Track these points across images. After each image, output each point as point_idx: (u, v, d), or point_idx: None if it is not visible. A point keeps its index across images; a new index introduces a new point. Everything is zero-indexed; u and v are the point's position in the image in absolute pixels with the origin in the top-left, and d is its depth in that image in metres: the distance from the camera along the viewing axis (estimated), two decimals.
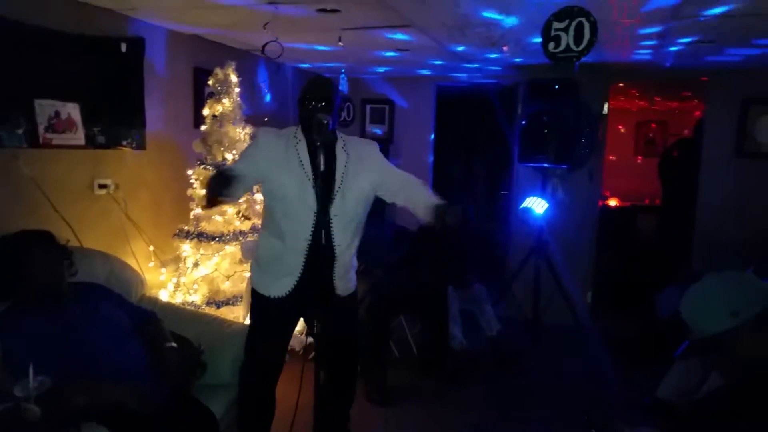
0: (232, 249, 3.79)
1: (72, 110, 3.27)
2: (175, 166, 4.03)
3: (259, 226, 2.86)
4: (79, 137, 3.33)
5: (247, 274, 3.63)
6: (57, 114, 3.19)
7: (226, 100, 3.81)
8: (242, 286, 3.80)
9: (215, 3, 3.22)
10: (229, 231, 3.76)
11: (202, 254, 3.75)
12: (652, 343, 4.17)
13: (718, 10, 3.06)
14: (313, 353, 2.78)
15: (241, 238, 3.81)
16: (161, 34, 3.91)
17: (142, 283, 3.24)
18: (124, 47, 3.56)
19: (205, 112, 3.85)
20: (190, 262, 3.76)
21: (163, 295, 3.69)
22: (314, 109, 2.45)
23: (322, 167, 2.32)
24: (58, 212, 3.18)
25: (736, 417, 1.65)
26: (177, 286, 3.75)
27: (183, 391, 2.46)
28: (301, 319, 2.86)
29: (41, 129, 3.10)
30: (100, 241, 3.41)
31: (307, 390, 2.70)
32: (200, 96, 4.18)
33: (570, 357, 4.69)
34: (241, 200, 3.78)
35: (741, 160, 4.99)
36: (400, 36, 3.94)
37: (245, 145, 3.88)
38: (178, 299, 3.69)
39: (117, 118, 3.57)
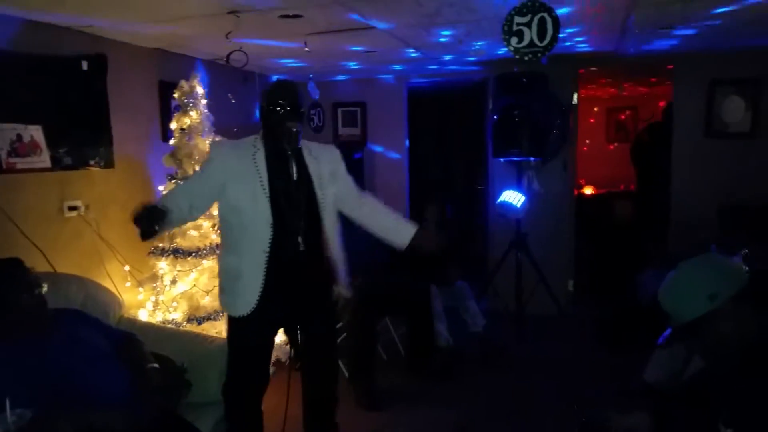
0: (210, 263, 3.73)
1: (35, 132, 3.20)
2: (146, 183, 3.97)
3: None
4: (44, 160, 3.26)
5: None
6: (19, 137, 3.12)
7: (193, 113, 3.76)
8: None
9: (176, 15, 3.17)
10: (205, 245, 3.71)
11: (179, 270, 3.69)
12: (634, 327, 4.23)
13: None
14: (299, 364, 2.75)
15: (218, 252, 3.75)
16: (123, 49, 3.84)
17: (119, 305, 3.18)
18: (85, 65, 3.49)
19: (173, 125, 3.79)
20: (167, 280, 3.69)
21: (143, 315, 3.63)
22: (282, 116, 2.40)
23: (294, 176, 2.29)
24: (28, 238, 3.10)
25: (721, 396, 1.67)
26: (156, 304, 3.68)
27: (169, 411, 2.41)
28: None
29: (3, 154, 3.03)
30: (74, 264, 3.34)
31: (295, 400, 2.68)
32: (167, 110, 4.12)
33: (556, 347, 4.72)
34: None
35: (710, 140, 5.06)
36: (365, 38, 3.92)
37: None
38: (158, 318, 3.62)
39: (82, 137, 3.50)
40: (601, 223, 7.29)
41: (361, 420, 3.54)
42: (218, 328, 3.70)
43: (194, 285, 3.72)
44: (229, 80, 5.01)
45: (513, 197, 5.00)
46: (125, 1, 2.90)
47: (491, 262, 5.58)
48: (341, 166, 2.67)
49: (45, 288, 2.34)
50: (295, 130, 2.34)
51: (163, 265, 3.69)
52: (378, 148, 6.18)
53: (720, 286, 1.66)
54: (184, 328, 3.50)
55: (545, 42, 2.82)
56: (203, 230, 3.77)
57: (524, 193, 5.03)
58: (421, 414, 3.63)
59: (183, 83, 3.78)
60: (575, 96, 5.48)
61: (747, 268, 1.75)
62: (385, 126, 6.14)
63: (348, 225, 2.77)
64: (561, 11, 3.07)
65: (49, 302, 2.37)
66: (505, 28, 2.83)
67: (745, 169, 4.93)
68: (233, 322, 2.58)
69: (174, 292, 3.68)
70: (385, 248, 4.65)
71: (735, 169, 4.96)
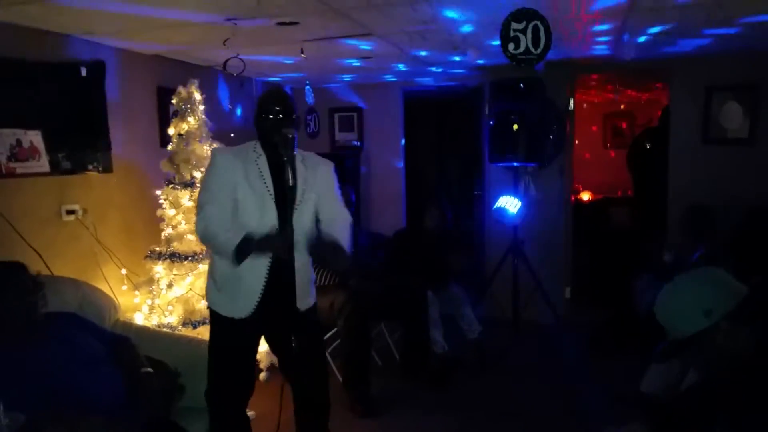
0: (206, 267, 3.75)
1: (34, 137, 3.23)
2: (143, 188, 3.99)
3: None
4: (43, 164, 3.29)
5: None
6: (19, 142, 3.15)
7: (191, 118, 3.78)
8: None
9: (174, 21, 3.20)
10: (201, 250, 3.73)
11: (175, 274, 3.71)
12: (629, 335, 4.23)
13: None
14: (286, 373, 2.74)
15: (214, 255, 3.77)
16: (121, 55, 3.87)
17: (115, 308, 3.19)
18: (84, 71, 3.53)
19: (171, 131, 3.81)
20: (163, 284, 3.71)
21: (138, 318, 3.64)
22: (278, 123, 2.42)
23: (291, 182, 2.30)
24: (26, 241, 3.13)
25: (717, 410, 1.66)
26: (152, 308, 3.70)
27: (162, 415, 2.42)
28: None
29: (3, 158, 3.06)
30: (71, 267, 3.36)
31: (287, 407, 2.69)
32: (165, 115, 4.15)
33: (552, 354, 4.72)
34: None
35: (707, 147, 5.06)
36: (361, 44, 3.95)
37: None
38: (153, 321, 3.64)
39: (81, 142, 3.54)
40: (599, 230, 7.28)
41: (355, 426, 3.54)
42: None
43: (190, 289, 3.73)
44: (226, 86, 5.05)
45: (510, 203, 5.01)
46: (124, 14, 2.93)
47: (488, 268, 5.59)
48: (327, 182, 2.62)
49: (45, 293, 2.36)
50: (291, 136, 2.36)
51: (159, 268, 3.71)
52: (374, 154, 6.21)
53: (716, 302, 1.64)
54: (179, 332, 3.51)
55: (539, 50, 2.85)
56: None
57: (521, 199, 5.04)
58: (416, 420, 3.63)
59: (181, 89, 3.80)
60: (571, 101, 5.50)
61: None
62: (382, 131, 6.17)
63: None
64: None
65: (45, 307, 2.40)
66: (503, 33, 2.86)
67: (744, 175, 4.91)
68: (224, 323, 2.53)
69: (170, 295, 3.70)
70: (382, 252, 4.72)
71: (733, 176, 4.96)
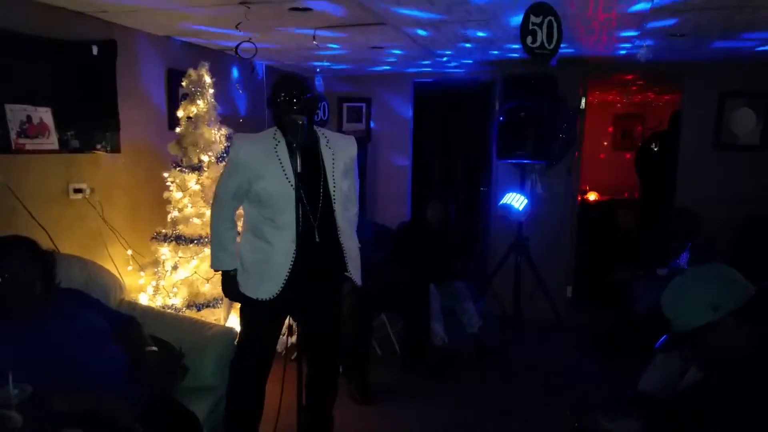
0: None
1: (44, 115, 3.23)
2: (150, 169, 3.99)
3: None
4: (52, 142, 3.29)
5: None
6: (29, 119, 3.14)
7: (200, 102, 3.78)
8: None
9: (187, 1, 3.19)
10: (207, 233, 3.73)
11: (180, 257, 3.72)
12: (630, 335, 4.23)
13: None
14: (296, 354, 2.77)
15: None
16: (133, 35, 3.87)
17: (120, 288, 3.20)
18: (95, 50, 3.51)
19: (180, 113, 3.81)
20: (168, 265, 3.72)
21: (143, 299, 3.66)
22: (288, 110, 2.44)
23: (299, 168, 2.30)
24: (33, 218, 3.13)
25: (714, 409, 1.67)
26: (156, 289, 3.71)
27: (165, 394, 2.44)
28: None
29: (13, 134, 3.05)
30: (77, 246, 3.37)
31: (289, 391, 2.70)
32: (174, 97, 4.14)
33: (551, 352, 4.73)
34: None
35: (718, 153, 5.05)
36: (375, 34, 3.94)
37: (221, 147, 3.86)
38: (157, 302, 3.66)
39: (90, 121, 3.53)
40: (603, 231, 7.28)
41: (353, 413, 3.57)
42: (217, 315, 3.73)
43: (195, 272, 3.74)
44: (236, 70, 5.04)
45: (515, 200, 5.01)
46: None
47: (491, 264, 5.59)
48: (349, 158, 2.69)
49: (56, 269, 2.37)
50: (300, 122, 2.35)
51: (165, 250, 3.72)
52: (382, 145, 6.20)
53: (724, 297, 1.65)
54: (183, 314, 3.53)
55: (552, 45, 2.84)
56: (206, 218, 3.79)
57: (527, 196, 5.04)
58: (413, 411, 3.65)
59: (191, 72, 3.80)
60: (583, 101, 5.49)
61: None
62: (390, 123, 6.16)
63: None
64: None
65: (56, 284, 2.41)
66: (523, 26, 2.85)
67: (755, 182, 4.91)
68: (251, 304, 2.64)
69: (175, 277, 3.71)
70: (385, 244, 4.72)
71: (744, 182, 4.95)
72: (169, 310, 3.55)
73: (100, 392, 2.14)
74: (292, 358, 3.11)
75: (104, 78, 3.62)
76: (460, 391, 3.95)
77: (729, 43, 4.10)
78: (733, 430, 1.59)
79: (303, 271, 2.48)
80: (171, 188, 3.78)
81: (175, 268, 3.72)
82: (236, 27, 3.48)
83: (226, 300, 3.65)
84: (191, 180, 3.75)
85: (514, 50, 4.42)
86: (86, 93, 3.49)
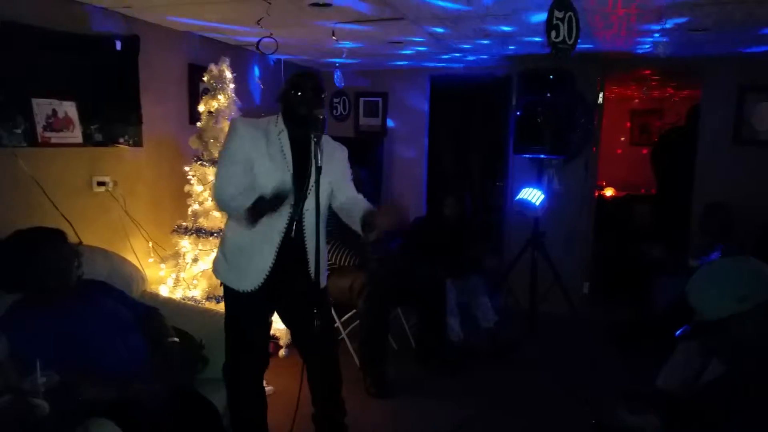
0: None
1: (69, 109, 3.29)
2: (172, 163, 4.05)
3: None
4: (76, 135, 3.35)
5: None
6: (54, 113, 3.21)
7: (221, 96, 3.82)
8: None
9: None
10: None
11: (200, 249, 3.77)
12: (648, 332, 4.22)
13: None
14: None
15: None
16: (156, 31, 3.92)
17: (142, 279, 3.27)
18: (119, 45, 3.57)
19: (201, 108, 3.86)
20: (189, 258, 3.78)
21: (163, 291, 3.72)
22: (310, 102, 2.44)
23: (320, 162, 2.32)
24: (58, 210, 3.20)
25: (736, 405, 1.65)
26: (177, 281, 3.77)
27: (185, 385, 2.49)
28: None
29: (39, 128, 3.12)
30: (100, 238, 3.43)
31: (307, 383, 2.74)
32: (195, 92, 4.20)
33: (567, 347, 4.73)
34: None
35: (738, 148, 5.00)
36: (394, 29, 3.95)
37: None
38: (178, 294, 3.71)
39: (114, 115, 3.59)
40: (620, 226, 7.24)
41: (369, 407, 3.60)
42: None
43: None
44: (257, 66, 5.08)
45: (532, 195, 5.00)
46: None
47: (507, 258, 5.59)
48: (341, 166, 2.69)
49: (81, 261, 2.43)
50: (322, 117, 2.38)
51: (185, 243, 3.78)
52: (398, 140, 6.22)
53: (752, 289, 1.63)
54: (203, 306, 3.58)
55: (571, 41, 2.85)
56: None
57: (544, 191, 5.03)
58: (429, 405, 3.67)
59: (212, 67, 3.84)
60: (601, 96, 5.46)
61: None
62: (406, 117, 6.17)
63: None
64: None
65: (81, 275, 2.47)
66: (548, 20, 2.85)
67: None
68: (235, 298, 2.59)
69: (195, 270, 3.77)
70: (401, 239, 4.74)
71: (765, 177, 4.89)
72: (189, 302, 3.60)
73: (125, 381, 2.20)
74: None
75: (127, 73, 3.68)
76: (475, 386, 3.97)
77: (749, 36, 4.06)
78: (756, 424, 1.58)
79: (288, 265, 2.49)
80: (192, 182, 3.84)
81: (195, 260, 3.78)
82: (257, 23, 3.51)
83: None
84: (212, 174, 3.79)
85: (532, 44, 4.41)
86: (109, 87, 3.54)
